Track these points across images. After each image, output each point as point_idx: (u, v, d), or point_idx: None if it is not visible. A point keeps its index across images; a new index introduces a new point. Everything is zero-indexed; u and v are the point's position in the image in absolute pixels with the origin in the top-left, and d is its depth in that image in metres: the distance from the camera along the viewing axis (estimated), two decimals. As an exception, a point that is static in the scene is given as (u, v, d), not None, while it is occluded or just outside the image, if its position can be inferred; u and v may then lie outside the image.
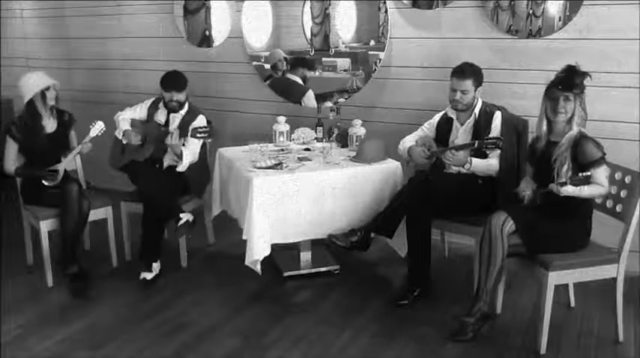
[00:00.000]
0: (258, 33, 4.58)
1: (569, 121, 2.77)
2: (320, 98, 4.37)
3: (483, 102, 3.37)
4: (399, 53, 4.10)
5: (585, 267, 2.78)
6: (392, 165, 3.56)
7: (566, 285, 3.17)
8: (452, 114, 3.42)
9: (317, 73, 4.40)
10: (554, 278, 2.73)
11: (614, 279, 2.82)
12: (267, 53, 4.57)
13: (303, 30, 4.39)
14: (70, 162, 3.69)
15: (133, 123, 3.81)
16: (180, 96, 3.73)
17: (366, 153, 3.54)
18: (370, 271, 3.79)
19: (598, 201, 2.96)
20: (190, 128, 3.53)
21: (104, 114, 3.96)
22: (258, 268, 3.29)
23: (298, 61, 4.45)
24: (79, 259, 3.52)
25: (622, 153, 3.23)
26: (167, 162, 3.76)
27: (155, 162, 3.75)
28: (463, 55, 3.59)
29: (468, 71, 3.27)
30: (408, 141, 3.52)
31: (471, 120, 3.35)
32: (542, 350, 2.78)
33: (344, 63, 4.31)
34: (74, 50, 5.47)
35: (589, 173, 2.61)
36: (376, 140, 3.62)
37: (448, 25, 3.90)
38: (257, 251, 3.25)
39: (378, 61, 4.14)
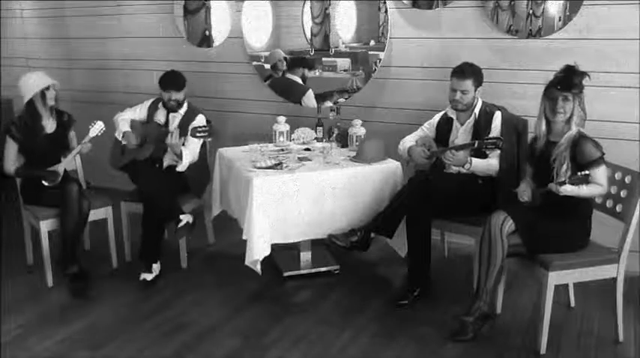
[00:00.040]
0: (258, 33, 4.58)
1: (568, 121, 2.77)
2: (320, 98, 4.37)
3: (483, 102, 3.37)
4: (399, 53, 4.10)
5: (585, 266, 2.78)
6: (392, 165, 3.56)
7: (566, 285, 3.17)
8: (452, 114, 3.42)
9: (317, 73, 4.40)
10: (554, 278, 2.73)
11: (614, 279, 2.82)
12: (267, 53, 4.57)
13: (303, 30, 4.39)
14: (70, 163, 3.70)
15: (133, 124, 3.81)
16: (179, 96, 3.73)
17: (366, 153, 3.54)
18: (370, 271, 3.79)
19: (598, 201, 2.97)
20: (190, 128, 3.53)
21: (104, 114, 3.96)
22: (258, 268, 3.29)
23: (297, 61, 4.45)
24: (79, 259, 3.52)
25: (622, 153, 3.23)
26: (167, 161, 3.76)
27: (155, 162, 3.75)
28: (463, 55, 3.59)
29: (468, 71, 3.27)
30: (408, 141, 3.52)
31: (471, 120, 3.35)
32: (542, 350, 2.78)
33: (344, 63, 4.31)
34: (74, 50, 5.47)
35: (587, 172, 2.61)
36: (376, 140, 3.62)
37: (448, 25, 3.90)
38: (257, 251, 3.25)
39: (378, 61, 4.14)
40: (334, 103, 4.27)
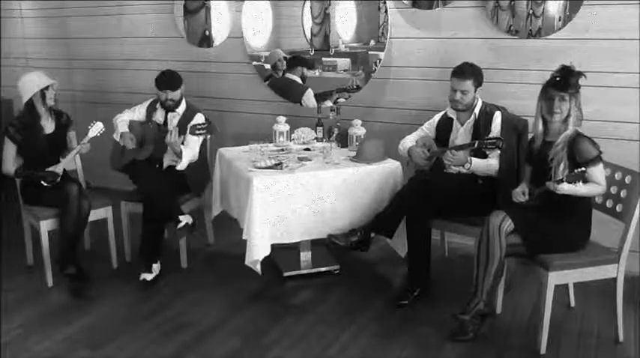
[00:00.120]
0: (258, 33, 4.58)
1: (565, 121, 2.78)
2: (320, 98, 4.37)
3: (483, 102, 3.37)
4: (399, 53, 4.10)
5: (585, 267, 2.78)
6: (392, 165, 3.56)
7: (566, 285, 3.17)
8: (452, 114, 3.42)
9: (317, 73, 4.40)
10: (554, 278, 2.73)
11: (614, 279, 2.82)
12: (267, 53, 4.58)
13: (303, 30, 4.38)
14: (69, 163, 3.69)
15: (132, 125, 3.81)
16: (175, 95, 3.74)
17: (366, 153, 3.54)
18: (370, 271, 3.79)
19: (598, 200, 2.97)
20: (188, 126, 3.53)
21: (104, 114, 3.97)
22: (258, 268, 3.29)
23: (296, 60, 4.45)
24: (77, 259, 3.52)
25: (622, 153, 3.23)
26: (167, 162, 3.76)
27: (155, 162, 3.75)
28: (463, 55, 3.59)
29: (468, 71, 3.27)
30: (408, 142, 3.52)
31: (470, 121, 3.35)
32: (542, 350, 2.78)
33: (344, 63, 4.31)
34: (74, 50, 5.47)
35: (583, 169, 2.61)
36: (376, 140, 3.62)
37: (448, 25, 3.90)
38: (257, 251, 3.25)
39: (378, 61, 4.14)
40: (334, 103, 4.27)
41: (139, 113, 3.88)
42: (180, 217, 3.50)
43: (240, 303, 3.34)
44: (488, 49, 3.79)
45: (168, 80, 3.73)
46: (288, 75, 4.49)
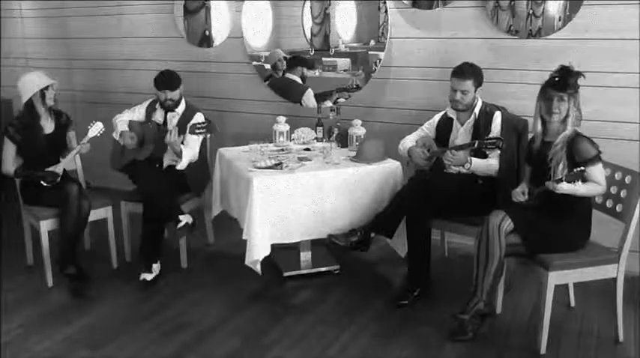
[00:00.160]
0: (258, 33, 4.58)
1: (564, 121, 2.78)
2: (320, 98, 4.37)
3: (483, 102, 3.37)
4: (399, 53, 4.10)
5: (585, 267, 2.78)
6: (392, 165, 3.56)
7: (566, 285, 3.17)
8: (452, 114, 3.42)
9: (317, 73, 4.41)
10: (554, 278, 2.73)
11: (614, 279, 2.82)
12: (267, 53, 4.58)
13: (303, 30, 4.39)
14: (69, 163, 3.69)
15: (131, 125, 3.81)
16: (174, 95, 3.74)
17: (366, 153, 3.54)
18: (370, 271, 3.79)
19: (598, 200, 2.97)
20: (188, 126, 3.53)
21: (104, 114, 3.97)
22: (258, 268, 3.29)
23: (296, 60, 4.45)
24: (77, 259, 3.52)
25: (622, 153, 3.23)
26: (167, 161, 3.76)
27: (155, 162, 3.75)
28: (463, 55, 3.59)
29: (468, 71, 3.27)
30: (408, 142, 3.52)
31: (470, 121, 3.35)
32: (542, 350, 2.78)
33: (344, 63, 4.31)
34: (74, 50, 5.47)
35: (582, 168, 2.61)
36: (376, 140, 3.62)
37: (448, 25, 3.90)
38: (257, 251, 3.25)
39: (378, 61, 4.14)
40: (334, 103, 4.27)
41: (138, 113, 3.88)
42: (180, 217, 3.50)
43: (240, 303, 3.34)
44: (489, 49, 3.79)
45: (167, 80, 3.73)
46: (288, 75, 4.49)
